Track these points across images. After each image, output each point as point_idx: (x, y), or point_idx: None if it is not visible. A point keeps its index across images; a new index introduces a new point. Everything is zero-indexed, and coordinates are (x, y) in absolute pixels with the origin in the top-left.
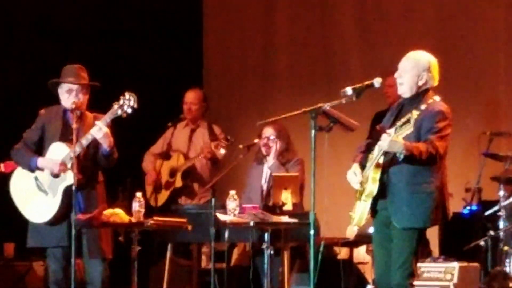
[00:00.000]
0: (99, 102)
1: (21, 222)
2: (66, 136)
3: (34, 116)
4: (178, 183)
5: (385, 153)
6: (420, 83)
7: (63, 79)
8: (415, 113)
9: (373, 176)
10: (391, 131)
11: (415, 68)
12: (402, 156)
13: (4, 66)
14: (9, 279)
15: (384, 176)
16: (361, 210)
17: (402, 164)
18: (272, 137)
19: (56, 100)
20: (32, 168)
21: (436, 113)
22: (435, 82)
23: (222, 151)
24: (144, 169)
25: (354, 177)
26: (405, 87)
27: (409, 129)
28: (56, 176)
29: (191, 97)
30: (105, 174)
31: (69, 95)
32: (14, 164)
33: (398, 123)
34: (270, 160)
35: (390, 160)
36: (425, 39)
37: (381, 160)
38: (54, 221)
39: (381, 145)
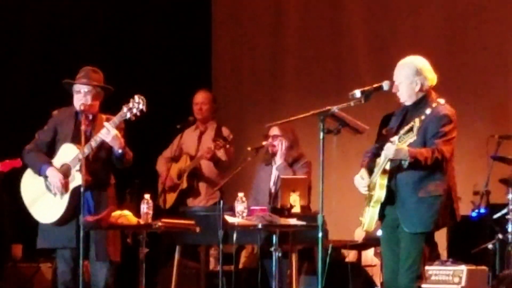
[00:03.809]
0: (108, 104)
1: (29, 224)
2: (78, 138)
3: (46, 117)
4: (184, 184)
5: (391, 160)
6: (417, 89)
7: (76, 79)
8: (417, 121)
9: (381, 182)
10: (395, 139)
11: (406, 76)
12: (407, 163)
13: (17, 67)
14: (17, 280)
15: (392, 182)
16: (370, 216)
17: (408, 170)
18: (277, 137)
19: (68, 101)
20: (41, 175)
21: (441, 117)
22: (432, 82)
23: (222, 150)
24: (158, 171)
25: (361, 181)
26: (404, 96)
27: (412, 138)
28: (65, 177)
29: (201, 97)
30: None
31: (78, 95)
32: (12, 163)
33: (402, 131)
34: (278, 160)
35: (397, 166)
36: (434, 41)
37: (387, 166)
38: (62, 222)
39: (386, 153)
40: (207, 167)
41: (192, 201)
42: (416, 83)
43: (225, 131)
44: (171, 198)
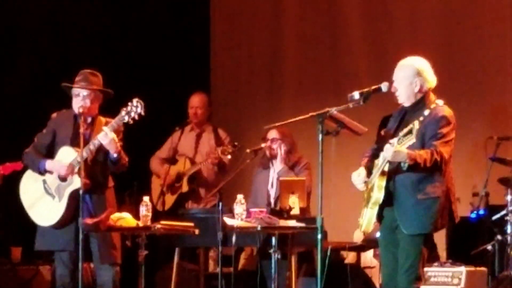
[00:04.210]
0: (106, 106)
1: (28, 226)
2: (76, 141)
3: (46, 120)
4: (185, 188)
5: (390, 161)
6: (416, 89)
7: (74, 82)
8: (416, 123)
9: (379, 184)
10: (394, 141)
11: (406, 77)
12: (406, 165)
13: (16, 69)
14: (16, 283)
15: (390, 184)
16: (368, 217)
17: (407, 172)
18: (276, 141)
19: (67, 103)
20: (41, 171)
21: (440, 119)
22: (432, 84)
23: (229, 156)
24: (152, 171)
25: (358, 178)
26: (403, 97)
27: (411, 140)
28: (63, 180)
29: (196, 100)
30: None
31: (77, 99)
32: (13, 166)
33: (401, 133)
34: (278, 165)
35: (396, 167)
36: (432, 43)
37: (386, 168)
38: (60, 225)
39: (385, 155)
40: (207, 171)
41: (192, 205)
42: (415, 84)
43: (222, 134)
44: (169, 200)
